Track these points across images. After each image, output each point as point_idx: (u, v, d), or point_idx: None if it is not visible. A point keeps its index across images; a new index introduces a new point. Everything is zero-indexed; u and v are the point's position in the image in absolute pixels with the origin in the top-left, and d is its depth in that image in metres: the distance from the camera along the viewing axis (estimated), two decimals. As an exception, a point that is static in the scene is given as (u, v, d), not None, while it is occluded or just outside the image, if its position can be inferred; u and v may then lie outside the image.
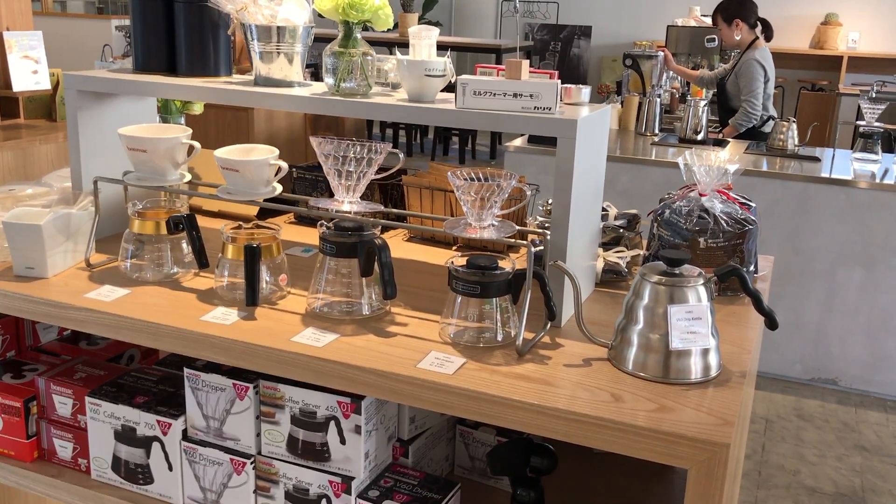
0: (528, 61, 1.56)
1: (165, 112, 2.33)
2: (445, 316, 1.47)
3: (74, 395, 1.71)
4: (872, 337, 4.05)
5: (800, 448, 3.58)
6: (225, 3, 1.73)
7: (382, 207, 1.70)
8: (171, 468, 1.62)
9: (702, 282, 1.36)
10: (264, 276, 1.59)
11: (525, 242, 1.47)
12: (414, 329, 1.51)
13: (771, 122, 4.83)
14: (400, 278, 1.52)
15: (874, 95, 4.65)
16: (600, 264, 1.76)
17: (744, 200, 1.77)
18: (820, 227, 4.02)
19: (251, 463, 1.55)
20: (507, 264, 1.45)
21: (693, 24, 6.31)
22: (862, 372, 4.10)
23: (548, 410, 1.25)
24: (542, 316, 1.47)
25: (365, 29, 1.68)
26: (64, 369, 1.78)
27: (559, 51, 9.36)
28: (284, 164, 1.66)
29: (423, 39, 1.60)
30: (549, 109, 1.50)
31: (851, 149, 4.70)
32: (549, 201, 1.82)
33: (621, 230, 1.87)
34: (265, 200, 1.71)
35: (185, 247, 1.71)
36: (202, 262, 1.68)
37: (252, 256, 1.52)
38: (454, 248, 1.99)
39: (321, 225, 1.56)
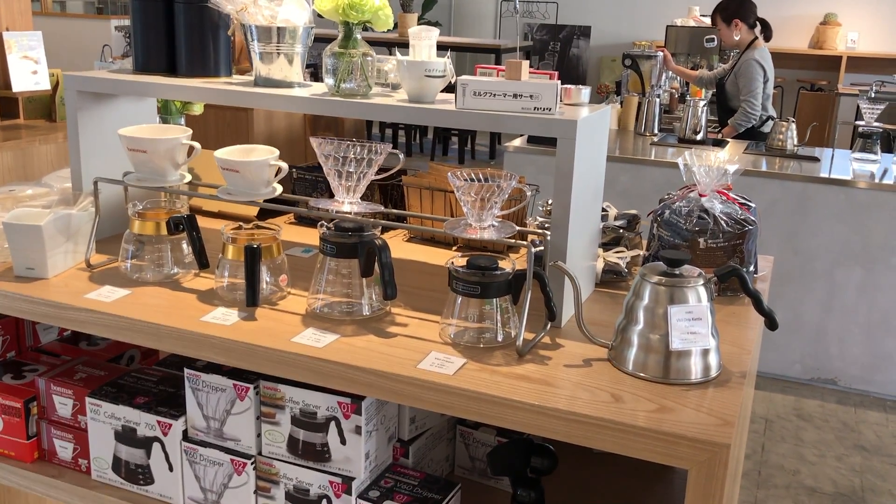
0: (527, 62, 1.56)
1: (165, 112, 2.33)
2: (446, 316, 1.47)
3: (75, 396, 1.71)
4: (872, 337, 4.05)
5: (799, 448, 3.59)
6: (225, 4, 1.73)
7: (382, 208, 1.70)
8: (171, 469, 1.62)
9: (702, 282, 1.36)
10: (264, 276, 1.59)
11: (525, 243, 1.47)
12: (414, 329, 1.51)
13: (770, 122, 4.84)
14: (400, 279, 1.52)
15: (873, 95, 4.65)
16: (600, 265, 1.76)
17: (743, 201, 1.78)
18: (819, 227, 4.02)
19: (251, 463, 1.55)
20: (507, 265, 1.45)
21: (692, 24, 6.32)
22: (861, 372, 4.10)
23: (548, 411, 1.25)
24: (543, 316, 1.47)
25: (364, 29, 1.68)
26: (64, 370, 1.78)
27: (558, 51, 9.37)
28: (284, 165, 1.66)
29: (423, 40, 1.60)
30: (549, 110, 1.50)
31: (850, 149, 4.70)
32: (549, 202, 1.82)
33: (621, 230, 1.87)
34: (265, 201, 1.71)
35: (186, 247, 1.71)
36: (202, 262, 1.68)
37: (252, 257, 1.53)
38: (454, 248, 1.99)
39: (321, 225, 1.56)
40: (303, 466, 1.51)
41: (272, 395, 1.51)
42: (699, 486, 1.18)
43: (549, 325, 1.48)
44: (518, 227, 1.52)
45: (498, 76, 1.62)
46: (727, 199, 1.74)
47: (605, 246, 1.83)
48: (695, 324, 1.34)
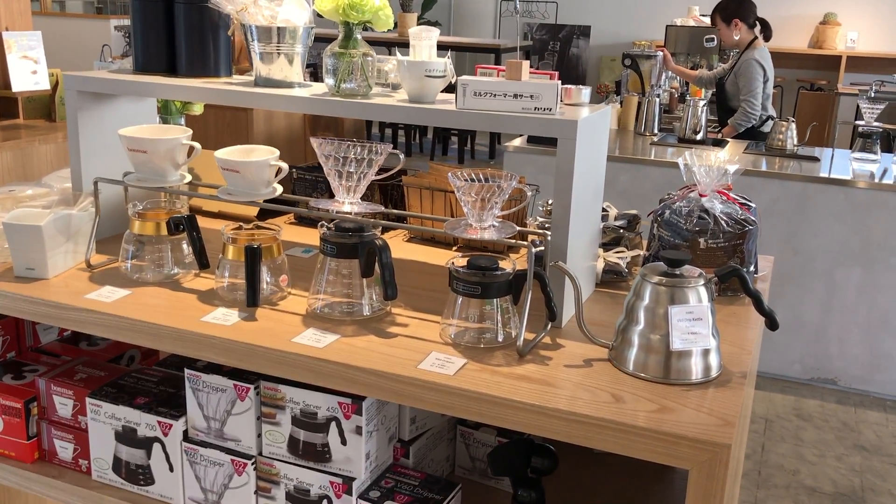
0: (528, 62, 1.56)
1: (165, 112, 2.33)
2: (446, 317, 1.47)
3: (75, 396, 1.71)
4: (871, 336, 4.05)
5: (799, 448, 3.59)
6: (225, 4, 1.73)
7: (383, 208, 1.70)
8: (171, 469, 1.62)
9: (702, 282, 1.36)
10: (265, 276, 1.59)
11: (525, 243, 1.47)
12: (414, 330, 1.51)
13: (770, 122, 4.84)
14: (400, 279, 1.52)
15: (873, 95, 4.65)
16: (600, 265, 1.76)
17: (744, 201, 1.78)
18: (819, 227, 4.02)
19: (252, 464, 1.55)
20: (507, 265, 1.45)
21: (692, 23, 6.32)
22: (861, 371, 4.11)
23: (548, 411, 1.25)
24: (543, 316, 1.47)
25: (364, 29, 1.68)
26: (64, 370, 1.78)
27: (558, 51, 9.37)
28: (285, 165, 1.66)
29: (424, 40, 1.60)
30: (550, 110, 1.50)
31: (850, 148, 4.70)
32: (549, 202, 1.82)
33: (621, 230, 1.87)
34: (266, 201, 1.71)
35: (186, 247, 1.71)
36: (202, 262, 1.68)
37: (253, 257, 1.53)
38: (454, 248, 1.99)
39: (322, 226, 1.56)
40: (303, 467, 1.51)
41: (273, 395, 1.50)
42: (700, 486, 1.18)
43: (549, 326, 1.48)
44: (518, 228, 1.52)
45: (498, 76, 1.62)
46: (727, 199, 1.74)
47: (606, 246, 1.83)
48: (695, 324, 1.34)
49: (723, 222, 1.69)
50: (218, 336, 1.45)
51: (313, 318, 1.54)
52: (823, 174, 4.05)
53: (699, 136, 4.72)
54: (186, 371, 1.57)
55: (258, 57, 1.72)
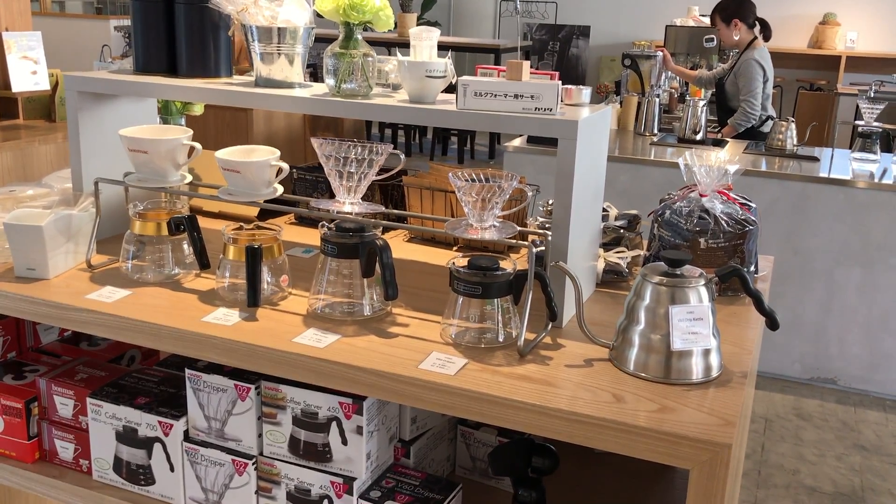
0: (528, 62, 1.56)
1: (166, 113, 2.33)
2: (447, 317, 1.48)
3: (76, 396, 1.71)
4: (871, 336, 4.06)
5: (799, 447, 3.59)
6: (225, 4, 1.73)
7: (383, 208, 1.70)
8: (172, 469, 1.62)
9: (703, 282, 1.37)
10: (266, 276, 1.59)
11: (526, 243, 1.47)
12: (415, 330, 1.51)
13: (770, 122, 4.84)
14: (401, 279, 1.52)
15: (872, 95, 4.65)
16: (601, 265, 1.76)
17: (744, 201, 1.78)
18: (819, 227, 4.02)
19: (253, 464, 1.55)
20: (508, 265, 1.45)
21: (692, 24, 6.32)
22: (861, 371, 4.11)
23: (549, 411, 1.25)
24: (544, 316, 1.47)
25: (364, 30, 1.68)
26: (65, 370, 1.78)
27: (557, 51, 9.37)
28: (285, 166, 1.66)
29: (424, 41, 1.60)
30: (550, 110, 1.50)
31: (850, 148, 4.70)
32: (550, 202, 1.82)
33: (622, 231, 1.87)
34: (266, 201, 1.71)
35: (186, 248, 1.71)
36: (203, 262, 1.68)
37: (254, 257, 1.53)
38: (455, 248, 1.99)
39: (322, 226, 1.56)
40: (304, 467, 1.51)
41: (273, 395, 1.51)
42: (701, 485, 1.18)
43: (550, 326, 1.48)
44: (519, 228, 1.52)
45: (499, 76, 1.62)
46: (728, 199, 1.74)
47: (606, 246, 1.83)
48: (696, 324, 1.34)
49: (723, 222, 1.69)
50: (219, 336, 1.46)
51: (314, 318, 1.54)
52: (823, 174, 4.05)
53: (699, 136, 4.72)
54: (187, 371, 1.57)
55: (259, 57, 1.72)
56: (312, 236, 1.99)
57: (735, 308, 1.66)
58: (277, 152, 1.69)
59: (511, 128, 1.53)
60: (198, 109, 2.51)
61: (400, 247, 1.98)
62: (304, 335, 1.46)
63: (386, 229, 2.03)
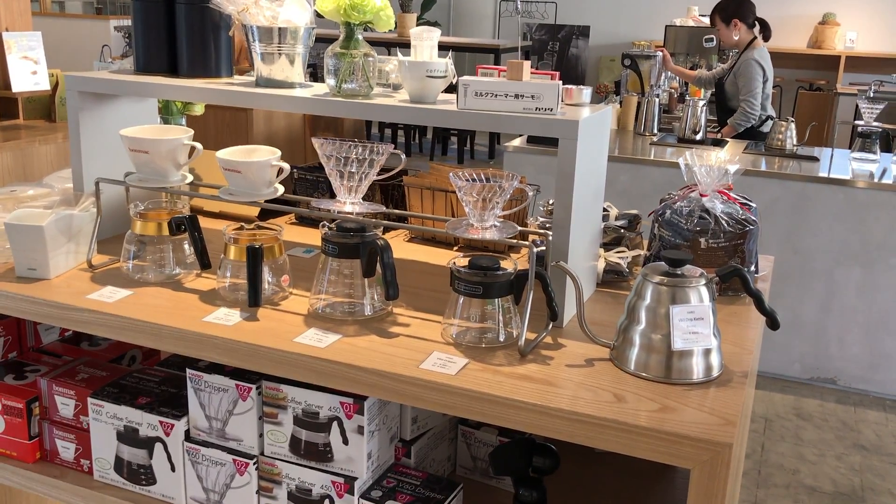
0: (529, 62, 1.57)
1: (166, 113, 2.33)
2: (448, 316, 1.48)
3: (77, 396, 1.71)
4: (871, 336, 4.06)
5: (799, 447, 3.59)
6: (226, 5, 1.73)
7: (384, 208, 1.71)
8: (173, 469, 1.62)
9: (703, 282, 1.37)
10: (266, 276, 1.59)
11: (527, 243, 1.48)
12: (416, 329, 1.51)
13: (769, 122, 4.84)
14: (402, 279, 1.52)
15: (872, 95, 4.65)
16: (601, 265, 1.76)
17: (744, 201, 1.78)
18: (818, 227, 4.03)
19: (254, 463, 1.55)
20: (508, 265, 1.46)
21: (691, 24, 6.33)
22: (861, 371, 4.11)
23: (550, 411, 1.25)
24: (544, 316, 1.47)
25: (365, 30, 1.69)
26: (66, 370, 1.78)
27: (557, 51, 9.37)
28: (286, 166, 1.66)
29: (425, 41, 1.60)
30: (551, 110, 1.50)
31: (850, 148, 4.70)
32: (550, 202, 1.82)
33: (622, 230, 1.87)
34: (267, 201, 1.71)
35: (187, 248, 1.72)
36: (204, 262, 1.68)
37: (255, 257, 1.53)
38: (455, 248, 1.99)
39: (323, 226, 1.56)
40: (305, 466, 1.51)
41: (274, 395, 1.51)
42: (702, 485, 1.18)
43: (550, 325, 1.49)
44: (520, 228, 1.52)
45: (499, 76, 1.62)
46: (728, 199, 1.74)
47: (607, 246, 1.84)
48: (697, 324, 1.34)
49: (723, 222, 1.69)
50: (220, 336, 1.46)
51: (315, 317, 1.54)
52: (823, 174, 4.05)
53: (699, 136, 4.72)
54: (188, 371, 1.57)
55: (259, 57, 1.72)
56: (313, 236, 1.99)
57: (735, 308, 1.66)
58: (278, 152, 1.69)
59: (512, 128, 1.53)
60: (198, 109, 2.51)
61: (400, 247, 1.98)
62: (305, 335, 1.46)
63: (386, 229, 2.03)
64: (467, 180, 1.45)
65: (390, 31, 1.92)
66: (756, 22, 5.04)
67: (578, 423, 1.24)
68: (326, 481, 1.50)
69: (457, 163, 8.51)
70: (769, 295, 1.74)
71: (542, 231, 1.60)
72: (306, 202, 1.77)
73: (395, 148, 1.62)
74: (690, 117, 4.70)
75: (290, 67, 1.73)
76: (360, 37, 1.67)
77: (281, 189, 1.70)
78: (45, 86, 4.05)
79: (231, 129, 5.03)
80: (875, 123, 4.59)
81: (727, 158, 1.76)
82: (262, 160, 1.65)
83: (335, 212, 1.57)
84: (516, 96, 1.51)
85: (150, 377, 1.73)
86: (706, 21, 5.89)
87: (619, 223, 1.89)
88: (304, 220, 2.12)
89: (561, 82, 1.54)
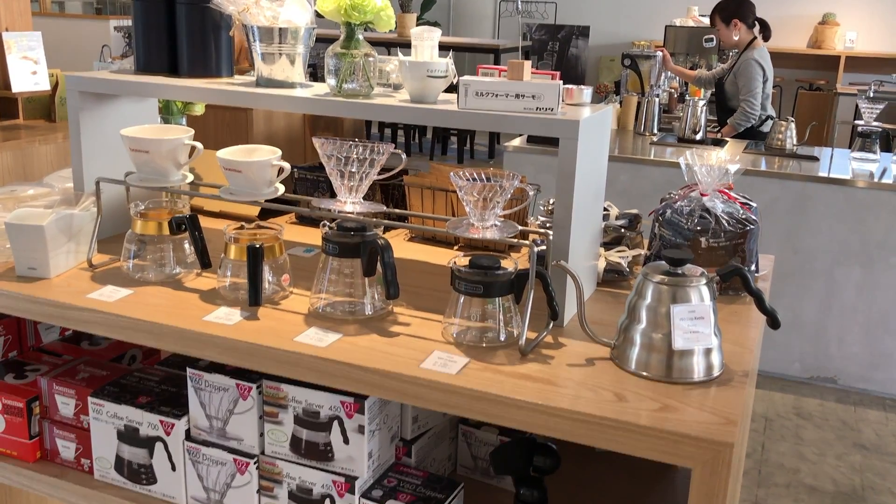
0: (529, 62, 1.57)
1: (167, 113, 2.33)
2: (448, 316, 1.48)
3: (77, 396, 1.71)
4: (871, 335, 4.06)
5: (799, 447, 3.59)
6: (227, 5, 1.73)
7: (385, 208, 1.71)
8: (174, 468, 1.62)
9: (704, 281, 1.37)
10: (267, 276, 1.59)
11: (527, 242, 1.48)
12: (417, 329, 1.51)
13: (769, 122, 4.84)
14: (402, 278, 1.52)
15: (872, 95, 4.66)
16: (602, 264, 1.76)
17: (745, 200, 1.78)
18: (818, 227, 4.03)
19: (254, 463, 1.55)
20: (509, 264, 1.46)
21: (691, 24, 6.33)
22: (861, 370, 4.11)
23: (551, 410, 1.25)
24: (545, 316, 1.47)
25: (365, 30, 1.69)
26: (66, 369, 1.78)
27: (557, 51, 9.37)
28: (287, 165, 1.66)
29: (426, 41, 1.60)
30: (552, 110, 1.50)
31: (850, 148, 4.70)
32: (551, 201, 1.83)
33: (622, 230, 1.87)
34: (267, 201, 1.71)
35: (188, 247, 1.72)
36: (204, 262, 1.68)
37: (255, 256, 1.53)
38: (455, 247, 1.99)
39: (324, 225, 1.56)
40: (306, 466, 1.51)
41: (275, 394, 1.51)
42: (703, 484, 1.18)
43: (551, 325, 1.49)
44: (520, 227, 1.52)
45: (500, 76, 1.62)
46: (729, 199, 1.74)
47: (607, 245, 1.84)
48: (697, 323, 1.34)
49: (724, 222, 1.69)
50: (220, 335, 1.46)
51: (315, 317, 1.54)
52: (823, 174, 4.05)
53: (698, 136, 4.72)
54: (189, 370, 1.57)
55: (260, 57, 1.72)
56: (313, 236, 1.99)
57: (736, 307, 1.66)
58: (279, 152, 1.69)
59: (512, 128, 1.53)
60: (199, 109, 2.51)
61: (400, 246, 1.98)
62: (306, 334, 1.46)
63: (387, 228, 2.03)
64: (468, 180, 1.45)
65: (390, 31, 1.92)
66: (756, 22, 5.05)
67: (579, 423, 1.24)
68: (327, 481, 1.50)
69: (457, 162, 8.51)
70: (769, 294, 1.74)
71: (542, 230, 1.60)
72: (307, 202, 1.77)
73: (395, 148, 1.62)
74: (690, 117, 4.71)
75: (290, 67, 1.73)
76: (361, 37, 1.67)
77: (281, 189, 1.70)
78: (45, 86, 4.05)
79: (231, 128, 5.03)
80: (875, 123, 4.59)
81: (727, 158, 1.76)
82: (263, 160, 1.65)
83: (336, 211, 1.57)
84: (517, 96, 1.51)
85: (151, 376, 1.73)
86: (706, 21, 5.89)
87: (619, 223, 1.89)
88: (304, 220, 2.12)
89: (562, 82, 1.54)
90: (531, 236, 1.72)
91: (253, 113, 5.01)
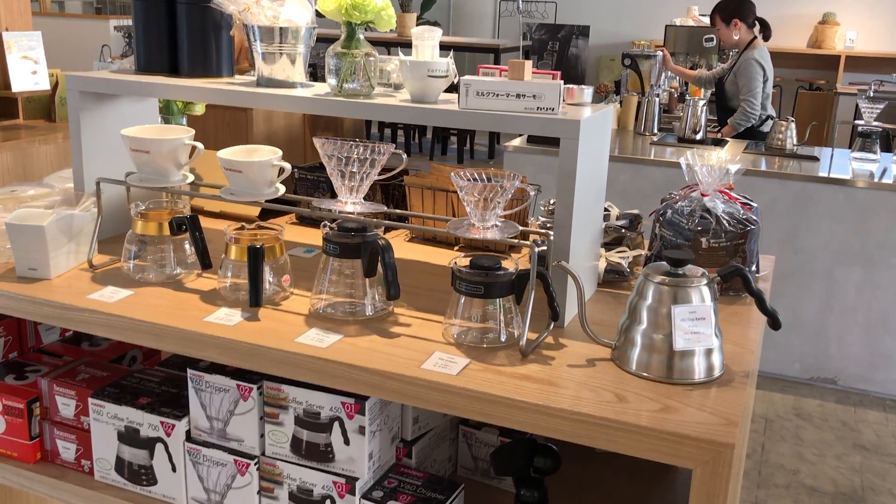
0: (530, 62, 1.57)
1: (167, 113, 2.33)
2: (449, 316, 1.48)
3: (77, 397, 1.71)
4: (871, 336, 4.06)
5: (799, 447, 3.59)
6: (227, 4, 1.73)
7: (385, 208, 1.71)
8: (174, 469, 1.62)
9: (705, 282, 1.37)
10: (268, 276, 1.59)
11: (528, 243, 1.48)
12: (417, 330, 1.51)
13: (769, 122, 4.84)
14: (403, 279, 1.52)
15: (872, 95, 4.65)
16: (602, 264, 1.76)
17: (745, 200, 1.78)
18: (819, 227, 4.03)
19: (255, 464, 1.55)
20: (510, 265, 1.45)
21: (691, 23, 6.33)
22: (861, 371, 4.11)
23: (552, 411, 1.25)
24: (545, 316, 1.47)
25: (366, 29, 1.68)
26: (67, 370, 1.78)
27: (557, 50, 9.37)
28: (288, 166, 1.66)
29: (427, 40, 1.60)
30: (553, 110, 1.50)
31: (850, 148, 4.70)
32: (551, 201, 1.82)
33: (623, 230, 1.87)
34: (268, 201, 1.71)
35: (188, 247, 1.71)
36: (205, 262, 1.68)
37: (256, 257, 1.53)
38: (456, 248, 1.99)
39: (324, 226, 1.56)
40: (306, 467, 1.51)
41: (276, 395, 1.51)
42: (703, 485, 1.18)
43: (552, 325, 1.48)
44: (521, 228, 1.52)
45: (500, 76, 1.62)
46: (729, 199, 1.74)
47: (608, 246, 1.84)
48: (698, 324, 1.34)
49: (725, 222, 1.69)
50: (221, 336, 1.46)
51: (316, 317, 1.54)
52: (823, 174, 4.05)
53: (699, 136, 4.72)
54: (189, 371, 1.57)
55: (260, 57, 1.72)
56: (314, 236, 1.99)
57: (736, 308, 1.66)
58: (279, 152, 1.69)
59: (513, 127, 1.53)
60: (199, 109, 2.51)
61: (400, 246, 1.98)
62: (307, 335, 1.46)
63: (387, 229, 2.03)
64: (469, 180, 1.45)
65: (390, 30, 1.92)
66: (756, 22, 5.04)
67: (580, 424, 1.23)
68: (328, 481, 1.50)
69: (456, 162, 8.51)
70: (770, 295, 1.74)
71: (543, 231, 1.60)
72: (307, 202, 1.76)
73: (395, 148, 1.62)
74: (690, 117, 4.70)
75: (291, 67, 1.73)
76: (362, 36, 1.67)
77: (282, 189, 1.69)
78: (45, 86, 4.05)
79: (231, 128, 5.03)
80: (875, 123, 4.59)
81: (728, 158, 1.76)
82: (264, 160, 1.65)
83: (336, 212, 1.57)
84: (518, 96, 1.51)
85: (151, 377, 1.73)
86: (706, 21, 5.89)
87: (620, 223, 1.89)
88: (304, 220, 2.12)
89: (563, 82, 1.54)
90: (532, 237, 1.72)
91: (253, 113, 5.01)
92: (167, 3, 1.84)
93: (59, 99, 4.13)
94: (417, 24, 1.66)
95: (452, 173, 1.46)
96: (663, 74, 5.39)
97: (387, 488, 1.50)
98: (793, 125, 4.51)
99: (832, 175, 4.03)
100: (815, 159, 4.41)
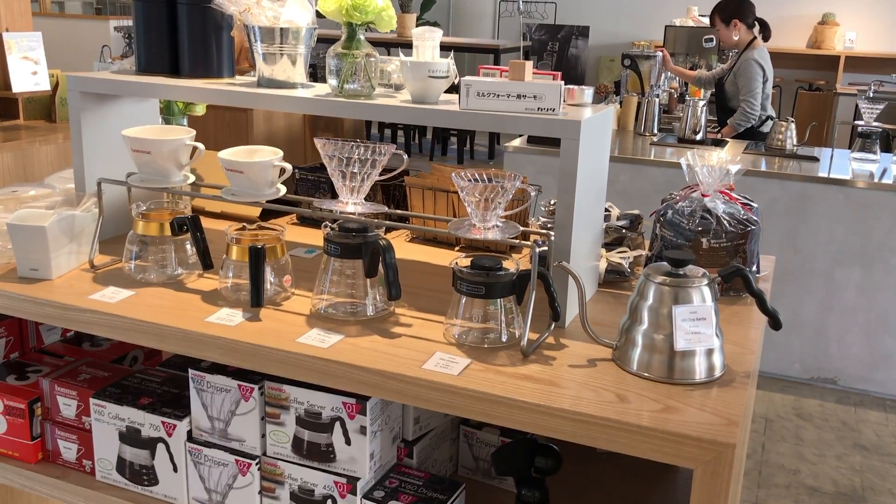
0: (531, 62, 1.57)
1: (167, 113, 2.33)
2: (450, 317, 1.48)
3: (79, 397, 1.71)
4: (871, 336, 4.06)
5: (799, 447, 3.59)
6: (228, 5, 1.73)
7: (386, 209, 1.71)
8: (175, 469, 1.62)
9: (706, 282, 1.37)
10: (269, 276, 1.59)
11: (529, 243, 1.48)
12: (418, 330, 1.51)
13: (769, 122, 4.85)
14: (404, 279, 1.52)
15: (872, 95, 4.65)
16: (603, 265, 1.76)
17: (746, 201, 1.78)
18: (819, 227, 4.03)
19: (256, 464, 1.55)
20: (511, 265, 1.46)
21: (691, 24, 6.33)
22: (861, 371, 4.11)
23: (553, 411, 1.25)
24: (546, 317, 1.48)
25: (366, 30, 1.69)
26: (68, 371, 1.78)
27: (557, 51, 9.37)
28: (288, 166, 1.66)
29: (427, 41, 1.60)
30: (553, 111, 1.51)
31: (850, 148, 4.70)
32: (552, 202, 1.83)
33: (624, 231, 1.88)
34: (269, 202, 1.71)
35: (189, 248, 1.72)
36: (206, 263, 1.68)
37: (257, 257, 1.53)
38: (457, 248, 1.99)
39: (325, 226, 1.56)
40: (307, 467, 1.52)
41: (277, 395, 1.51)
42: (704, 485, 1.18)
43: (553, 326, 1.49)
44: (521, 228, 1.52)
45: (501, 77, 1.62)
46: (730, 199, 1.74)
47: (608, 246, 1.84)
48: (699, 324, 1.34)
49: (725, 222, 1.70)
50: (222, 336, 1.46)
51: (317, 318, 1.54)
52: (823, 174, 4.06)
53: (699, 137, 4.72)
54: (190, 371, 1.57)
55: (261, 58, 1.72)
56: (315, 236, 1.99)
57: (737, 308, 1.66)
58: (280, 153, 1.69)
59: (514, 128, 1.53)
60: (200, 110, 2.51)
61: (401, 247, 1.98)
62: (308, 335, 1.46)
63: (388, 229, 2.03)
64: (470, 181, 1.45)
65: (391, 31, 1.92)
66: (756, 22, 5.05)
67: (581, 424, 1.24)
68: (329, 482, 1.50)
69: (457, 163, 8.52)
70: (770, 295, 1.74)
71: (544, 231, 1.60)
72: (308, 202, 1.77)
73: (396, 148, 1.62)
74: (690, 117, 4.71)
75: (291, 68, 1.73)
76: (362, 37, 1.67)
77: (283, 189, 1.70)
78: (45, 86, 4.05)
79: (231, 129, 5.03)
80: (875, 123, 4.59)
81: (728, 159, 1.76)
82: (265, 160, 1.65)
83: (337, 212, 1.57)
84: (518, 96, 1.51)
85: (152, 377, 1.73)
86: (706, 21, 5.89)
87: (620, 223, 1.89)
88: (305, 221, 2.12)
89: (563, 82, 1.55)
90: (533, 237, 1.72)
91: (253, 113, 5.01)
92: (168, 4, 1.85)
93: (59, 99, 4.13)
94: (417, 25, 1.66)
95: (453, 174, 1.47)
96: (663, 75, 5.40)
97: (388, 488, 1.51)
98: (793, 125, 4.52)
99: (832, 175, 4.03)
100: (815, 160, 4.41)
